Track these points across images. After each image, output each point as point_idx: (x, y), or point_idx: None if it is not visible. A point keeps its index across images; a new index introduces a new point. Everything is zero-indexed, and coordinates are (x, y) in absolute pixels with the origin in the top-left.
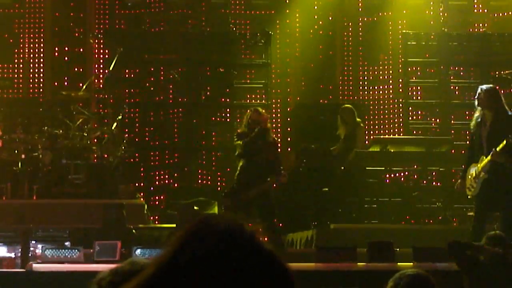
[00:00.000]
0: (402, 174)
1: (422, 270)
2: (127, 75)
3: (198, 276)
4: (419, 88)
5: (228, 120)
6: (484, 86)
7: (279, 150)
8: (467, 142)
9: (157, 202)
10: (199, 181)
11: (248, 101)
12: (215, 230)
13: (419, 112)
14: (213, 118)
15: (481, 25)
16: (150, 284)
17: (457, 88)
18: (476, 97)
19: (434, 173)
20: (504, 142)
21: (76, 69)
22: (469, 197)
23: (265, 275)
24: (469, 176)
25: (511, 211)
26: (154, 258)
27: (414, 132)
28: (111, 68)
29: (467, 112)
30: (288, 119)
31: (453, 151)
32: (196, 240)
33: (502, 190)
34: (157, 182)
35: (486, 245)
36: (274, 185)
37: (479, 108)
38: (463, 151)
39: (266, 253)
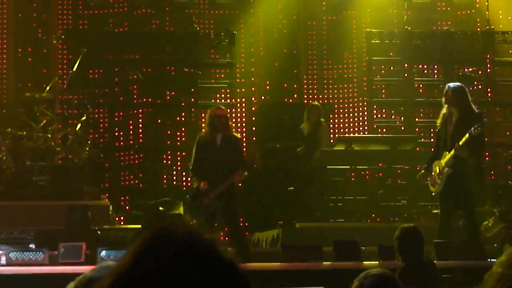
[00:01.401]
0: (367, 172)
1: (387, 270)
2: (91, 76)
3: (157, 286)
4: (383, 86)
5: (193, 120)
6: (452, 84)
7: (242, 146)
8: (432, 140)
9: (122, 203)
10: (165, 181)
11: (213, 100)
12: (173, 239)
13: (384, 111)
14: (178, 118)
15: (444, 23)
16: None
17: (421, 86)
18: (443, 94)
19: (399, 171)
20: (467, 135)
21: (39, 70)
22: (433, 193)
23: (226, 283)
24: (433, 173)
25: (473, 208)
26: (111, 269)
27: (379, 130)
28: (74, 69)
29: (431, 110)
30: (253, 118)
31: (417, 149)
32: (154, 250)
33: (464, 186)
34: (122, 183)
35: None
36: (240, 184)
37: (446, 105)
38: (429, 149)
39: (226, 263)
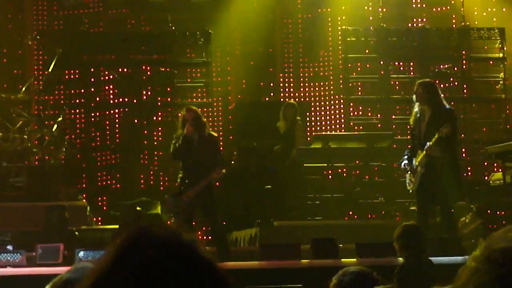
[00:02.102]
0: (344, 170)
1: (364, 267)
2: (67, 76)
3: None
4: (359, 84)
5: (169, 119)
6: (422, 81)
7: (219, 145)
8: (408, 137)
9: (99, 203)
10: (142, 181)
11: (189, 100)
12: (152, 240)
13: (360, 108)
14: (155, 118)
15: (419, 19)
16: None
17: (397, 83)
18: (414, 92)
19: (376, 168)
20: (436, 136)
21: (15, 71)
22: (410, 191)
23: (206, 284)
24: (408, 172)
25: (448, 205)
26: (91, 270)
27: (356, 128)
28: (50, 70)
29: (407, 107)
30: (230, 117)
31: (394, 146)
32: (133, 251)
33: (439, 183)
34: (99, 183)
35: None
36: (217, 183)
37: (418, 103)
38: (405, 146)
39: (206, 263)
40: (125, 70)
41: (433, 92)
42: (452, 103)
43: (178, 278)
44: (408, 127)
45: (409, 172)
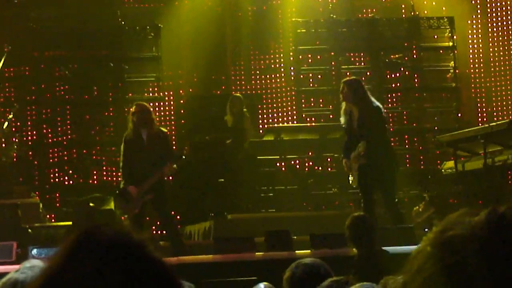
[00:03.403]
0: (297, 161)
1: (318, 258)
2: (17, 74)
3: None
4: (310, 75)
5: (120, 114)
6: (346, 80)
7: (169, 141)
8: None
9: (52, 200)
10: (94, 177)
11: (140, 95)
12: (101, 240)
13: (312, 99)
14: (106, 113)
15: (369, 10)
16: None
17: (348, 74)
18: (340, 91)
19: (329, 160)
20: (357, 150)
21: None
22: (354, 186)
23: (154, 283)
24: (346, 168)
25: (390, 194)
26: (41, 271)
27: (308, 119)
28: (0, 67)
29: None
30: (181, 111)
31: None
32: (83, 252)
33: (377, 177)
34: (52, 180)
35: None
36: (170, 177)
37: (344, 102)
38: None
39: (155, 263)
40: (75, 66)
41: (358, 90)
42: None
43: (126, 278)
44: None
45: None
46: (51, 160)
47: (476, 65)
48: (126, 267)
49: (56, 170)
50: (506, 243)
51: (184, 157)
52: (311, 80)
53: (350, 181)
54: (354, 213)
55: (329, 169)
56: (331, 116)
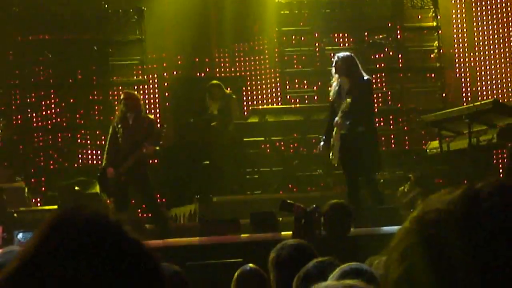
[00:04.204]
0: (281, 143)
1: (303, 240)
2: (0, 58)
3: (62, 270)
4: (294, 57)
5: (105, 97)
6: (341, 54)
7: (153, 127)
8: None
9: (38, 184)
10: (80, 160)
11: (125, 78)
12: (78, 222)
13: (296, 81)
14: (91, 97)
15: None
16: (14, 279)
17: (332, 55)
18: (333, 65)
19: (313, 141)
20: (340, 111)
21: None
22: (335, 165)
23: (132, 266)
24: (330, 146)
25: (371, 176)
26: (17, 254)
27: (292, 101)
28: None
29: None
30: (166, 94)
31: None
32: (58, 234)
33: (357, 156)
34: (37, 164)
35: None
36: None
37: (336, 75)
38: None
39: (132, 243)
40: (59, 50)
41: (352, 64)
42: (383, 75)
43: (102, 259)
44: (328, 100)
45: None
46: (36, 144)
47: (460, 45)
48: (101, 248)
49: (41, 154)
50: (480, 217)
51: (162, 134)
52: (295, 61)
53: (332, 159)
54: (333, 201)
55: (314, 150)
56: (315, 98)
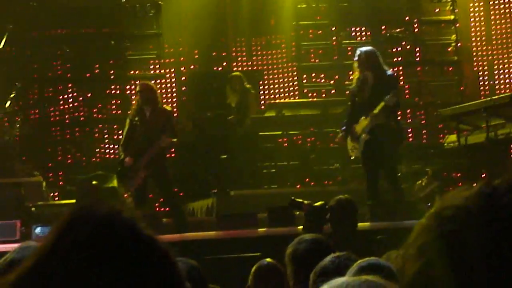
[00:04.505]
0: (298, 137)
1: (320, 234)
2: (18, 53)
3: (77, 266)
4: (312, 50)
5: (120, 92)
6: (364, 48)
7: (172, 118)
8: (349, 103)
9: (55, 179)
10: (97, 155)
11: (142, 72)
12: (92, 218)
13: (313, 75)
14: (108, 91)
15: None
16: (30, 275)
17: (349, 48)
18: (356, 59)
19: (330, 135)
20: (382, 104)
21: None
22: (352, 158)
23: (145, 261)
24: (349, 139)
25: (393, 168)
26: (33, 251)
27: (309, 94)
28: (1, 46)
29: None
30: (183, 88)
31: None
32: (73, 229)
33: (383, 148)
34: (55, 158)
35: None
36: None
37: (359, 69)
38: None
39: (146, 239)
40: (76, 44)
41: (375, 58)
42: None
43: (117, 257)
44: (349, 93)
45: (349, 138)
46: (53, 139)
47: (478, 38)
48: (115, 245)
49: (59, 148)
50: (497, 213)
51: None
52: (312, 55)
53: (351, 151)
54: (340, 196)
55: (331, 144)
56: (332, 91)
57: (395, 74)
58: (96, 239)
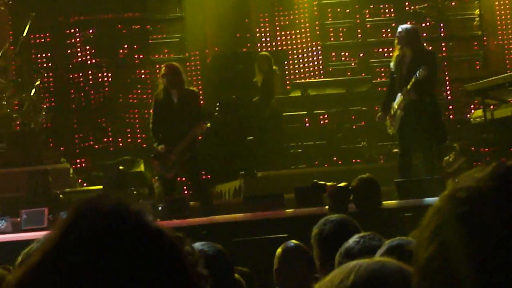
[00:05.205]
0: (324, 116)
1: (346, 215)
2: (42, 40)
3: (84, 259)
4: (336, 29)
5: (145, 76)
6: (404, 25)
7: (199, 100)
8: (388, 80)
9: (82, 165)
10: (124, 140)
11: (166, 56)
12: (100, 210)
13: (338, 53)
14: (133, 76)
15: None
16: (38, 270)
17: (373, 26)
18: (396, 35)
19: (356, 113)
20: (413, 79)
21: None
22: (391, 133)
23: (153, 254)
24: (390, 115)
25: (428, 146)
26: (39, 244)
27: (334, 73)
28: (25, 34)
29: (385, 50)
30: (207, 70)
31: (379, 89)
32: (81, 222)
33: (419, 126)
34: (81, 144)
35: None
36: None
37: (399, 46)
38: (383, 89)
39: (154, 231)
40: (99, 30)
41: (415, 36)
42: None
43: (124, 249)
44: (389, 70)
45: (389, 115)
46: (79, 125)
47: (502, 12)
48: (123, 236)
49: (85, 134)
50: (510, 193)
51: (216, 114)
52: (337, 34)
53: (389, 128)
54: (362, 175)
55: (359, 123)
56: (357, 69)
57: (433, 51)
58: (103, 233)
